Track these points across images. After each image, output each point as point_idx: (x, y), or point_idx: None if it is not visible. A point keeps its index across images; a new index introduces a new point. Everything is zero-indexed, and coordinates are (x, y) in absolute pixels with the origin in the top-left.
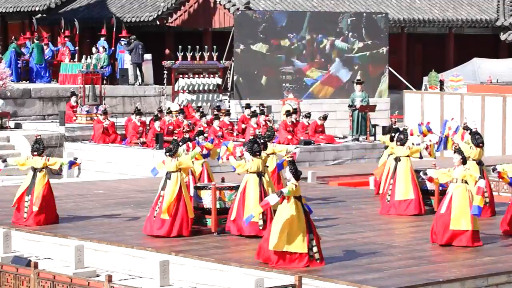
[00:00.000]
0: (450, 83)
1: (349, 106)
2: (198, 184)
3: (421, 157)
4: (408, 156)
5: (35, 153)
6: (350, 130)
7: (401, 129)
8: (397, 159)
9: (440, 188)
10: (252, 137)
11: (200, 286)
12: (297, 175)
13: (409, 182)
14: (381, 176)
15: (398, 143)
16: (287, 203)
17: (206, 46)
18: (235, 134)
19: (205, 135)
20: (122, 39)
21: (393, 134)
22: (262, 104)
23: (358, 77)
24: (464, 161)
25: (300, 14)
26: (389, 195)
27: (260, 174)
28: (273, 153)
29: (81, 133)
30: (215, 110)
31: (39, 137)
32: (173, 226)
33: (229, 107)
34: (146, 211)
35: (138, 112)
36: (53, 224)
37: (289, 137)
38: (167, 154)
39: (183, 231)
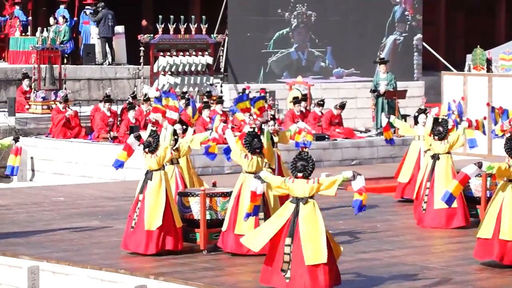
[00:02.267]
0: (500, 63)
1: (372, 91)
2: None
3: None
4: (448, 152)
5: None
6: (374, 121)
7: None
8: (435, 157)
9: (488, 194)
10: (251, 130)
11: None
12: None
13: None
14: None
15: (436, 137)
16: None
17: (193, 16)
18: (229, 126)
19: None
20: (87, 7)
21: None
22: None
23: (382, 55)
24: None
25: None
26: (425, 202)
27: None
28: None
29: (36, 125)
30: (205, 97)
31: None
32: (159, 240)
33: (222, 92)
34: (117, 224)
35: (107, 99)
36: None
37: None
38: (146, 150)
39: (172, 245)
